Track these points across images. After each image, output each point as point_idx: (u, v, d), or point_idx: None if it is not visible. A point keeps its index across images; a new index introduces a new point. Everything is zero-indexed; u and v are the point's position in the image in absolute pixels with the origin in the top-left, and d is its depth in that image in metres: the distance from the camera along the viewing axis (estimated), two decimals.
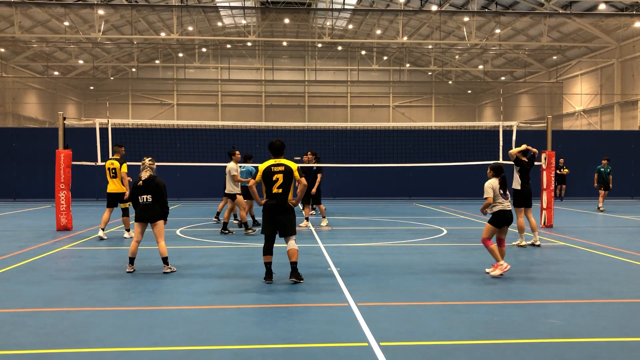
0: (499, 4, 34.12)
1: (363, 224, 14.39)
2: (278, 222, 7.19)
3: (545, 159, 13.47)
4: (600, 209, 17.90)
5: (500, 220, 7.75)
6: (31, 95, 44.76)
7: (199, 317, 5.71)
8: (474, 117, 53.13)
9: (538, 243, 10.55)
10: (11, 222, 14.61)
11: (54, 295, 6.60)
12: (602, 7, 30.07)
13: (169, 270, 7.88)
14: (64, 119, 13.16)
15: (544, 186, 13.51)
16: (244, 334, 5.16)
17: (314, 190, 13.33)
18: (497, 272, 7.67)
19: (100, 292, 6.78)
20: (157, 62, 50.22)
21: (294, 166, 7.27)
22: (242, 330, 5.27)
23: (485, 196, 7.75)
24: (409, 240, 11.26)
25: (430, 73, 51.03)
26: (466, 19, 36.08)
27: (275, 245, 7.34)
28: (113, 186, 11.33)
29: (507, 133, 14.13)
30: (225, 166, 12.61)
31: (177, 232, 12.57)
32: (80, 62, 45.73)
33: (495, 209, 7.76)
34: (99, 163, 13.10)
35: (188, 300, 6.39)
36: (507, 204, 7.78)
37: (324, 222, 13.59)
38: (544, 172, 13.53)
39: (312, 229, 13.01)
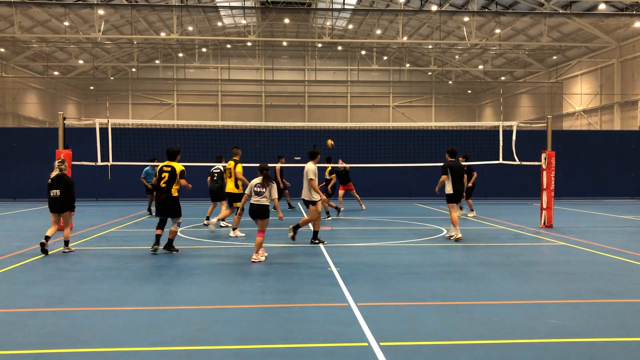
0: (499, 4, 34.13)
1: (363, 224, 14.39)
2: (164, 210, 9.56)
3: (545, 159, 13.47)
4: None
5: (250, 213, 8.82)
6: (31, 95, 44.76)
7: (199, 317, 5.70)
8: (474, 117, 53.14)
9: None
10: (11, 222, 14.61)
11: (54, 295, 6.60)
12: (602, 7, 30.07)
13: (67, 250, 9.64)
14: (64, 119, 13.16)
15: (544, 186, 13.50)
16: (244, 334, 5.16)
17: (469, 184, 15.56)
18: (257, 257, 8.75)
19: (100, 292, 6.78)
20: (157, 62, 50.22)
21: (178, 168, 9.53)
22: (242, 330, 5.27)
23: (246, 192, 9.01)
24: (409, 240, 11.26)
25: (430, 73, 51.04)
26: (466, 19, 36.09)
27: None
28: (230, 185, 12.06)
29: (507, 133, 14.14)
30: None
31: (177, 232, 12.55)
32: (80, 62, 45.74)
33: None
34: (99, 163, 13.10)
35: (188, 300, 6.39)
36: (254, 200, 8.77)
37: (472, 214, 15.89)
38: (544, 172, 13.52)
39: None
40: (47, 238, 9.36)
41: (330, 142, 14.01)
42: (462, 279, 7.56)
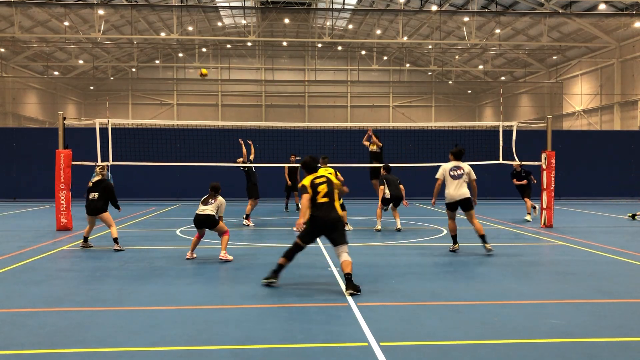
0: (499, 4, 34.14)
1: (363, 224, 14.39)
2: (329, 233, 6.96)
3: (545, 159, 13.46)
4: None
5: (195, 222, 9.11)
6: (31, 95, 44.76)
7: (199, 317, 5.70)
8: (474, 117, 53.14)
9: None
10: (11, 222, 14.61)
11: (54, 295, 6.60)
12: (602, 7, 30.09)
13: (118, 248, 9.83)
14: (64, 119, 13.16)
15: (544, 186, 13.50)
16: (244, 334, 5.16)
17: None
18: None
19: (100, 292, 6.78)
20: (157, 62, 50.22)
21: (332, 175, 7.57)
22: (242, 330, 5.27)
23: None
24: (409, 240, 11.26)
25: (430, 73, 51.04)
26: (466, 19, 36.09)
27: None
28: None
29: (507, 133, 14.13)
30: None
31: (177, 232, 12.58)
32: (80, 62, 45.74)
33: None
34: (99, 163, 13.09)
35: (188, 300, 6.38)
36: (200, 210, 8.94)
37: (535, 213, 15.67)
38: (544, 172, 13.52)
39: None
40: (85, 239, 10.21)
41: (203, 71, 14.38)
42: (462, 279, 7.56)
